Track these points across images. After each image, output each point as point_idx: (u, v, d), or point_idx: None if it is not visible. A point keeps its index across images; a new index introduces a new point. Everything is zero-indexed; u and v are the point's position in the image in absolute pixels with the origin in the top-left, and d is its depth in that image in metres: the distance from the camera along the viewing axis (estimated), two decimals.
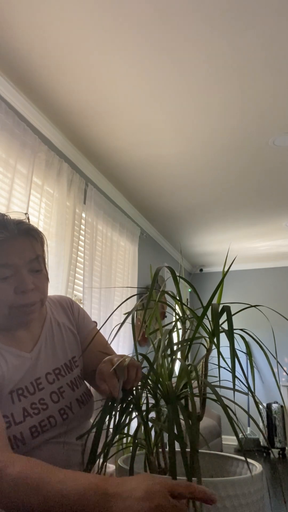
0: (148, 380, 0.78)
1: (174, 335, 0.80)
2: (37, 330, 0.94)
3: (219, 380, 0.69)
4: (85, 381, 0.99)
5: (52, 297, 1.05)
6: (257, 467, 0.67)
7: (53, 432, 0.84)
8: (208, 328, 0.72)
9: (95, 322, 1.07)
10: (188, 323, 0.81)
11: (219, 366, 0.65)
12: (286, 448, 4.62)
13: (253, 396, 0.60)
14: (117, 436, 0.73)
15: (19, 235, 0.84)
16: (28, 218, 0.92)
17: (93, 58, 2.04)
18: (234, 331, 0.66)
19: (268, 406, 4.75)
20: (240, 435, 4.86)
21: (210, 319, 0.70)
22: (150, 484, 0.55)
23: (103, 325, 0.92)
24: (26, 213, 0.92)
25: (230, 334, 0.65)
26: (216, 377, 0.74)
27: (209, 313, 0.70)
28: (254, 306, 0.70)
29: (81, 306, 2.26)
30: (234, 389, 0.60)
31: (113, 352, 1.02)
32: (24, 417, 0.81)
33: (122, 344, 3.26)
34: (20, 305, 0.83)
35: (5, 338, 0.87)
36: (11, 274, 0.82)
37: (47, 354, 0.92)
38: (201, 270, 6.00)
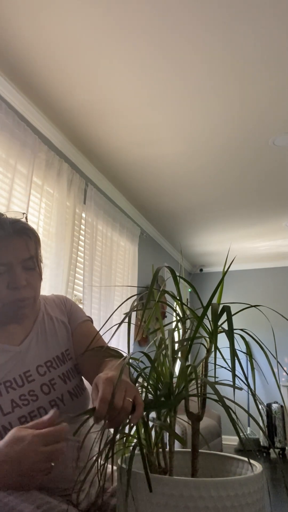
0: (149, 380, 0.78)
1: (174, 334, 0.80)
2: (30, 325, 0.96)
3: (216, 380, 0.69)
4: (80, 375, 0.99)
5: (48, 296, 1.08)
6: (257, 467, 0.67)
7: None
8: (208, 328, 0.72)
9: (90, 317, 1.06)
10: (188, 323, 0.81)
11: (215, 365, 0.65)
12: (286, 448, 4.62)
13: (254, 396, 0.60)
14: (117, 436, 0.73)
15: (14, 234, 0.87)
16: (26, 218, 0.94)
17: (93, 58, 2.04)
18: (234, 331, 0.66)
19: (268, 406, 4.75)
20: (241, 435, 4.86)
21: (210, 319, 0.70)
22: (21, 449, 0.64)
23: (103, 325, 0.92)
24: (24, 213, 0.94)
25: (230, 334, 0.65)
26: (217, 377, 0.74)
27: (209, 313, 0.70)
28: (254, 306, 0.70)
29: (80, 306, 2.24)
30: (234, 384, 0.60)
31: (104, 345, 1.01)
32: (13, 407, 0.83)
33: (122, 344, 3.27)
34: (12, 300, 0.85)
35: None
36: (4, 271, 0.85)
37: (38, 347, 0.93)
38: (201, 270, 6.00)
